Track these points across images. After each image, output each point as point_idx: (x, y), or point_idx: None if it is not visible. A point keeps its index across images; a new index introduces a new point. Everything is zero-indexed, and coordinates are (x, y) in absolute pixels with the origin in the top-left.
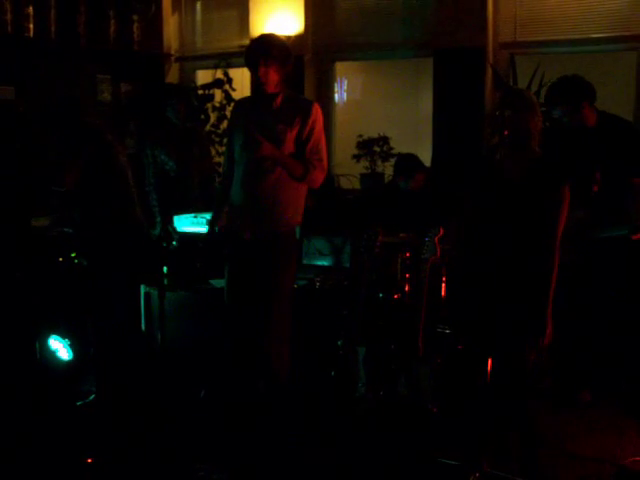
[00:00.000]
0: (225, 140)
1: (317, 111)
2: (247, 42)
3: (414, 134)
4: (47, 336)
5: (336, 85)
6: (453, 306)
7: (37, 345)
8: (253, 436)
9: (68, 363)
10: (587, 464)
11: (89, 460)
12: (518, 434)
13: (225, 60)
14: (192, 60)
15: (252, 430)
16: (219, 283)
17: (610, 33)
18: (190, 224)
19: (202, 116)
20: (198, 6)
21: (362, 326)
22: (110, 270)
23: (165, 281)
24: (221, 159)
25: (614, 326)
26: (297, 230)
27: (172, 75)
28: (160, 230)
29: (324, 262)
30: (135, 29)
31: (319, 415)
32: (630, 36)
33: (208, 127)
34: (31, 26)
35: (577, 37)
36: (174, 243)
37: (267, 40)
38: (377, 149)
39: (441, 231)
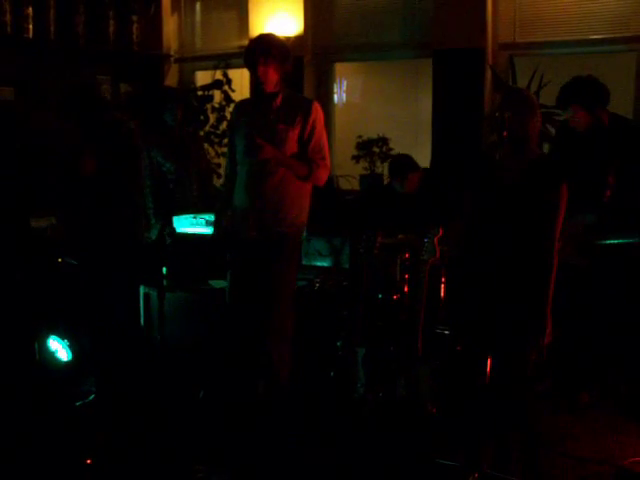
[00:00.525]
0: (224, 141)
1: (317, 110)
2: (247, 43)
3: (413, 135)
4: (46, 337)
5: (335, 86)
6: (453, 307)
7: (36, 346)
8: (253, 436)
9: (67, 364)
10: (586, 465)
11: (88, 461)
12: (517, 435)
13: (224, 61)
14: (191, 61)
15: (252, 430)
16: (218, 284)
17: (609, 34)
18: (189, 225)
19: (202, 117)
20: (198, 7)
21: (361, 327)
22: (110, 270)
23: (164, 282)
24: (220, 160)
25: (614, 327)
26: (302, 230)
27: (171, 76)
28: (157, 233)
29: (323, 263)
30: (134, 30)
31: (319, 415)
32: (629, 37)
33: (207, 128)
34: (30, 27)
35: (576, 38)
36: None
37: (266, 39)
38: (376, 150)
39: (440, 232)
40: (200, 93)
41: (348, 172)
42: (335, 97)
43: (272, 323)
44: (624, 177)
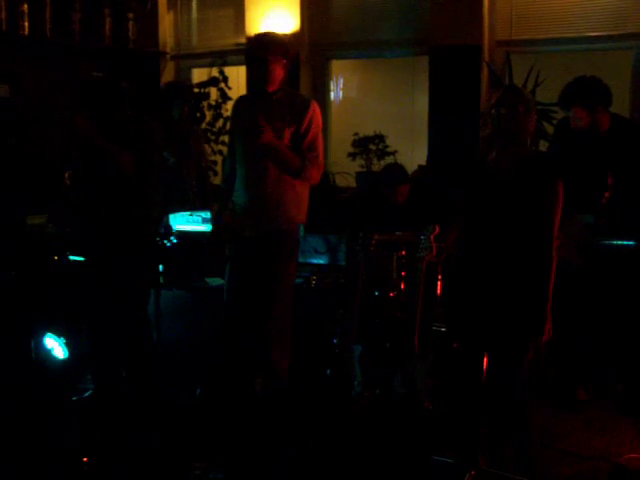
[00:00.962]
0: (220, 138)
1: (315, 109)
2: (243, 40)
3: (410, 132)
4: (42, 335)
5: (332, 83)
6: (450, 304)
7: (32, 344)
8: (249, 434)
9: (63, 362)
10: (583, 462)
11: (85, 459)
12: (514, 432)
13: (221, 58)
14: (188, 58)
15: (248, 428)
16: (215, 281)
17: (606, 31)
18: (186, 222)
19: (198, 114)
20: (194, 4)
21: (358, 324)
22: (129, 266)
23: (161, 279)
24: (216, 157)
25: (611, 325)
26: (301, 228)
27: (168, 73)
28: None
29: (320, 260)
30: (130, 27)
31: (316, 413)
32: (626, 34)
33: (204, 125)
34: (26, 24)
35: (573, 35)
36: (173, 240)
37: (275, 37)
38: (373, 147)
39: (437, 229)
40: (196, 90)
41: (344, 169)
42: (331, 94)
43: (270, 321)
44: (623, 179)
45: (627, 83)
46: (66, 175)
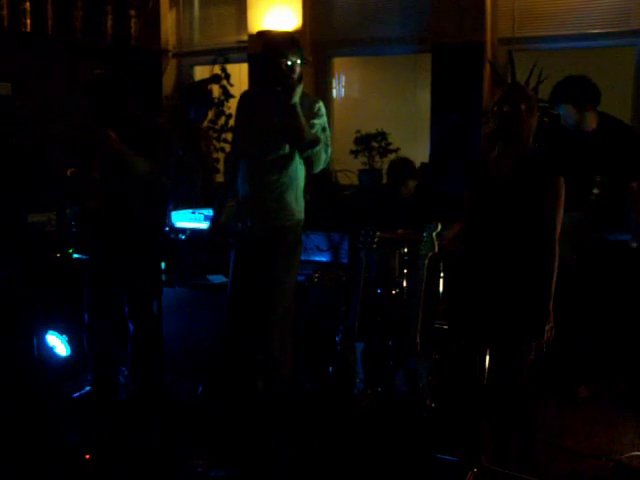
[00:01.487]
0: (223, 136)
1: (320, 108)
2: (245, 38)
3: (412, 130)
4: (45, 332)
5: (334, 81)
6: (452, 302)
7: (35, 341)
8: (251, 432)
9: (66, 359)
10: (584, 459)
11: (87, 456)
12: (516, 430)
13: (223, 56)
14: (190, 56)
15: (250, 426)
16: (217, 279)
17: (609, 28)
18: (188, 220)
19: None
20: (196, 1)
21: (360, 322)
22: (133, 265)
23: (163, 277)
24: (218, 155)
25: (612, 322)
26: (301, 224)
27: (170, 71)
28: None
29: (322, 258)
30: (132, 24)
31: (317, 411)
32: (629, 31)
33: (206, 123)
34: (28, 21)
35: (575, 32)
36: (182, 236)
37: (292, 35)
38: (375, 145)
39: (439, 227)
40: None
41: (346, 167)
42: (333, 92)
43: (272, 319)
44: (610, 176)
45: (630, 80)
46: (68, 172)
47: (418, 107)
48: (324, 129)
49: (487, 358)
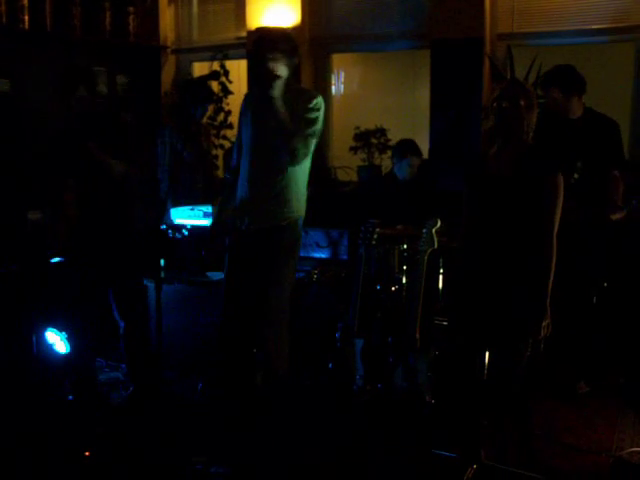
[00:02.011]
0: (222, 132)
1: (317, 102)
2: (244, 34)
3: (411, 125)
4: (44, 329)
5: (333, 77)
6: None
7: (34, 338)
8: (250, 429)
9: (65, 356)
10: (584, 455)
11: (87, 453)
12: (516, 426)
13: (222, 52)
14: (188, 52)
15: (249, 423)
16: (216, 275)
17: (608, 24)
18: (187, 216)
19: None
20: None
21: (360, 318)
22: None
23: (162, 273)
24: (217, 151)
25: (611, 318)
26: (300, 222)
27: (168, 67)
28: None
29: (322, 254)
30: (131, 21)
31: (317, 407)
32: (628, 27)
33: (205, 119)
34: (26, 18)
35: (575, 28)
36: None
37: (272, 33)
38: (374, 141)
39: (438, 223)
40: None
41: (346, 163)
42: (332, 88)
43: (270, 314)
44: (592, 163)
45: (629, 76)
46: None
47: (417, 103)
48: (313, 121)
49: (486, 354)
